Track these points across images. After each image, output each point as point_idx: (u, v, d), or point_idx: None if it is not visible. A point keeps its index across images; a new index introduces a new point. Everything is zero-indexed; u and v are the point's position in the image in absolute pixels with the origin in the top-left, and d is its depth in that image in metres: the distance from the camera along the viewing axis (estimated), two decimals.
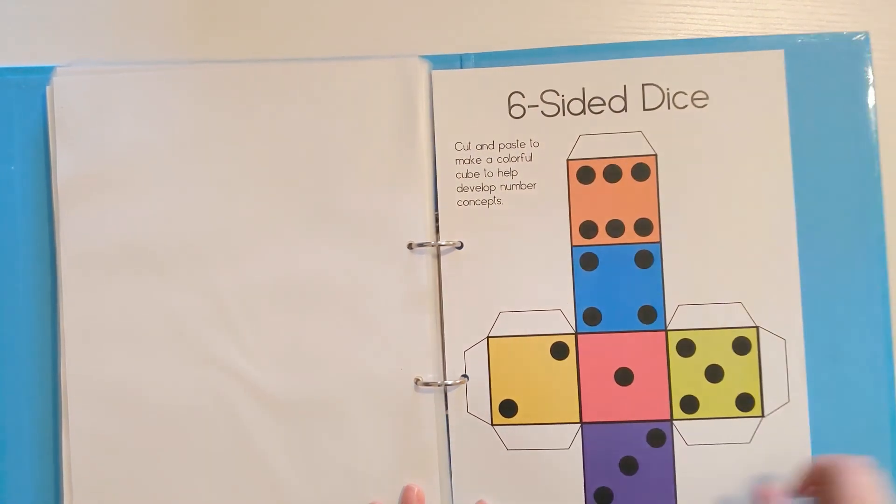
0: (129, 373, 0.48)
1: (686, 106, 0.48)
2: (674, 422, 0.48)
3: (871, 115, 0.48)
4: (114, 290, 0.48)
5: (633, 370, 0.48)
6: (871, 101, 0.48)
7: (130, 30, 0.51)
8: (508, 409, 0.48)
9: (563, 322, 0.48)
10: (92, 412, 0.48)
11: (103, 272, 0.48)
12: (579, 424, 0.48)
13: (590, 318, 0.48)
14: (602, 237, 0.48)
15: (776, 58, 0.48)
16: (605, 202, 0.48)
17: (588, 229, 0.48)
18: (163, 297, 0.48)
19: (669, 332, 0.48)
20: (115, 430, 0.48)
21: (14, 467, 0.49)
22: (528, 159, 0.49)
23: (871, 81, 0.48)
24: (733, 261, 0.48)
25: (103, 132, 0.48)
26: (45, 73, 0.49)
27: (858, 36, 0.48)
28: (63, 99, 0.48)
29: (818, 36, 0.48)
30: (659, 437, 0.48)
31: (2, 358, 0.49)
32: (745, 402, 0.48)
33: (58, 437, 0.48)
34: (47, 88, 0.49)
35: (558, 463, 0.48)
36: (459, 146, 0.49)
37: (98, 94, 0.49)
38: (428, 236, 0.48)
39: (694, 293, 0.48)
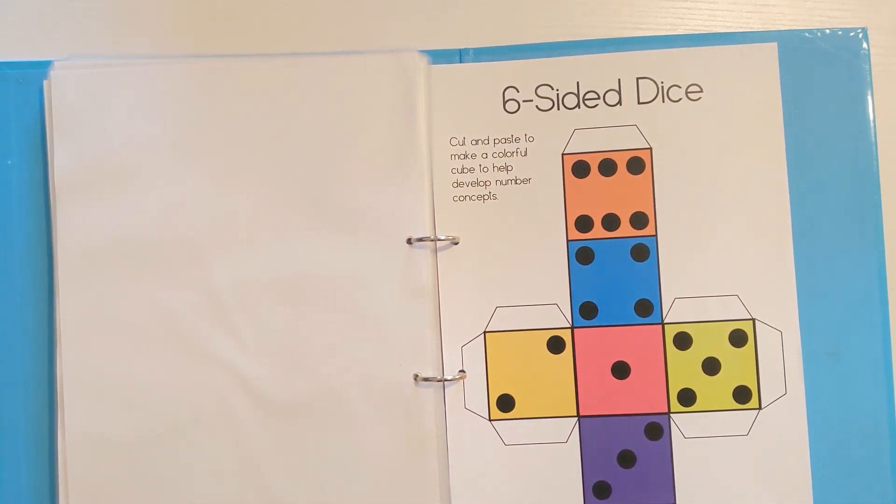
0: (126, 370, 0.48)
1: (680, 99, 0.48)
2: (671, 415, 0.48)
3: (868, 109, 0.48)
4: (111, 285, 0.48)
5: (629, 364, 0.48)
6: (867, 95, 0.48)
7: (128, 24, 0.52)
8: (506, 403, 0.48)
9: (559, 316, 0.48)
10: (88, 410, 0.47)
11: (100, 268, 0.48)
12: (576, 418, 0.48)
13: (586, 312, 0.48)
14: (598, 231, 0.48)
15: (769, 50, 0.48)
16: (600, 196, 0.49)
17: (583, 223, 0.48)
18: (160, 293, 0.48)
19: (666, 326, 0.48)
20: (112, 427, 0.47)
21: (8, 466, 0.48)
22: (522, 154, 0.49)
23: (868, 76, 0.48)
24: (729, 253, 0.48)
25: (101, 127, 0.48)
26: (42, 67, 0.49)
27: (856, 32, 0.49)
28: (60, 93, 0.48)
29: (815, 31, 0.49)
30: (657, 430, 0.48)
31: None
32: (742, 395, 0.47)
33: (53, 436, 0.48)
34: (45, 83, 0.48)
35: (556, 457, 0.48)
36: (455, 141, 0.49)
37: (96, 89, 0.48)
38: (427, 231, 0.48)
39: (690, 286, 0.48)
